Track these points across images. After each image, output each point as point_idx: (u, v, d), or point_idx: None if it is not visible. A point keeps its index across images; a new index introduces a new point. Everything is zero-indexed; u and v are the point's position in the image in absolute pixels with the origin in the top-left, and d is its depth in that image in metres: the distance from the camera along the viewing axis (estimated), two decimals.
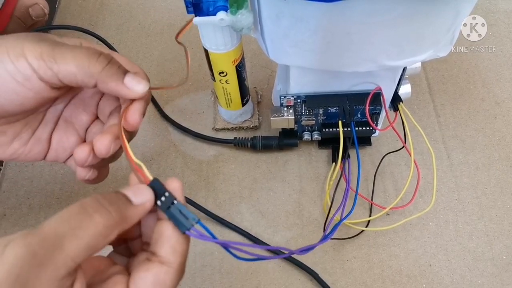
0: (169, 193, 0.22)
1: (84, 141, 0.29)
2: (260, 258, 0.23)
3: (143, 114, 0.26)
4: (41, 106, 0.26)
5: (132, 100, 0.25)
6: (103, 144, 0.25)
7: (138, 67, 0.27)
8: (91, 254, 0.19)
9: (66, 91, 0.27)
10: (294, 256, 0.36)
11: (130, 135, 0.27)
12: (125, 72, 0.25)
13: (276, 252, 0.36)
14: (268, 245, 0.37)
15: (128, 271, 0.22)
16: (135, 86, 0.24)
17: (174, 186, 0.22)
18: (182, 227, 0.21)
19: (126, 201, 0.21)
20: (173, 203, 0.22)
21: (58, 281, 0.17)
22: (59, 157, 0.28)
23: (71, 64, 0.23)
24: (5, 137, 0.26)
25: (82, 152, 0.25)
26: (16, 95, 0.23)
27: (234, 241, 0.22)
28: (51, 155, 0.28)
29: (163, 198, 0.22)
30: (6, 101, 0.23)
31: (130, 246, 0.25)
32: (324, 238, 0.28)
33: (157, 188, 0.22)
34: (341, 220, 0.31)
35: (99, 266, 0.23)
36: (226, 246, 0.22)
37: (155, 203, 0.22)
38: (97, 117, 0.29)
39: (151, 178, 0.22)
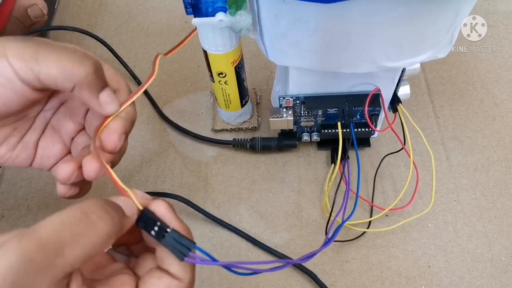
0: (161, 222, 0.21)
1: (69, 151, 0.28)
2: (260, 271, 0.23)
3: (126, 134, 0.25)
4: (27, 109, 0.25)
5: (107, 116, 0.24)
6: (93, 168, 0.23)
7: (123, 83, 0.26)
8: (87, 261, 0.19)
9: (51, 94, 0.26)
10: (293, 258, 0.36)
11: (119, 154, 0.25)
12: (104, 86, 0.24)
13: (278, 256, 0.36)
14: (271, 252, 0.37)
15: (132, 270, 0.22)
16: (107, 105, 0.24)
17: (161, 211, 0.22)
18: (179, 255, 0.21)
19: (123, 210, 0.21)
20: (166, 231, 0.21)
21: (54, 285, 0.17)
22: (44, 164, 0.27)
23: (53, 66, 0.22)
24: None
25: (66, 169, 0.24)
26: None
27: (236, 262, 0.22)
28: (37, 162, 0.27)
29: (156, 228, 0.21)
30: None
31: (130, 248, 0.25)
32: (327, 242, 0.27)
33: (148, 217, 0.21)
34: (342, 222, 0.31)
35: (99, 261, 0.23)
36: (228, 267, 0.22)
37: (150, 234, 0.21)
38: (84, 128, 0.28)
39: (140, 208, 0.21)
